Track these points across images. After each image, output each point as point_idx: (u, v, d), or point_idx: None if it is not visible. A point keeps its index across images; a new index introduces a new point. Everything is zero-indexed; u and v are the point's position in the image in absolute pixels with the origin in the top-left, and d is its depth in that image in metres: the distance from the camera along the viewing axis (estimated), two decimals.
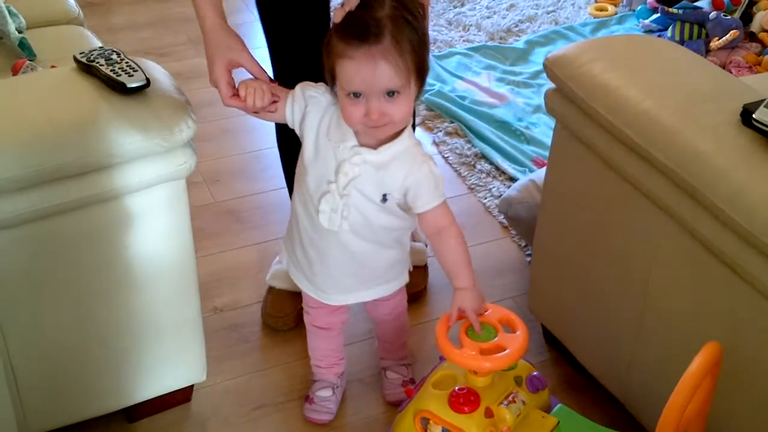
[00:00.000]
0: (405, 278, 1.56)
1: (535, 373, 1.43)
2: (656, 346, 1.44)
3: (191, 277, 1.50)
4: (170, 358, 1.55)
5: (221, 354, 1.79)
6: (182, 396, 1.65)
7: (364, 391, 1.73)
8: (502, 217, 2.07)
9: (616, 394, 1.58)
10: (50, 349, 1.41)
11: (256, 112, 1.39)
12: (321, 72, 1.71)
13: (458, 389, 1.35)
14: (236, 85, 1.37)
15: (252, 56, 1.38)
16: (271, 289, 1.88)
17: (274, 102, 1.38)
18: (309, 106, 1.38)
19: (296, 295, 1.84)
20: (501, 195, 2.14)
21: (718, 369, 1.16)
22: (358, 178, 1.35)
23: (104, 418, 1.56)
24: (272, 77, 1.73)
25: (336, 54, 1.26)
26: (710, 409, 1.23)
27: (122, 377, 1.51)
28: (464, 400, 1.33)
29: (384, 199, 1.38)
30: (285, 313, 1.84)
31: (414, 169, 1.35)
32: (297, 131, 1.41)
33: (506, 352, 1.32)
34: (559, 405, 1.42)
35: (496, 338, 1.34)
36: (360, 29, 1.23)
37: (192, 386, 1.66)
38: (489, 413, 1.32)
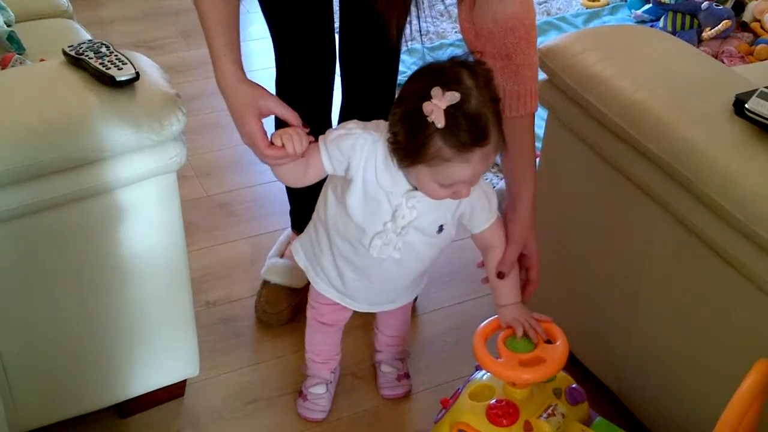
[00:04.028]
0: (425, 280, 1.57)
1: (574, 385, 1.39)
2: (650, 338, 1.44)
3: (183, 271, 1.49)
4: (163, 353, 1.54)
5: (214, 348, 1.78)
6: (175, 391, 1.65)
7: (358, 384, 1.72)
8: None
9: (611, 386, 1.58)
10: (42, 345, 1.41)
11: (271, 159, 1.29)
12: (324, 60, 1.70)
13: (496, 401, 1.31)
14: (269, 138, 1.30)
15: (279, 99, 1.31)
16: (266, 284, 1.87)
17: (312, 143, 1.30)
18: (350, 158, 1.30)
19: (291, 291, 1.84)
20: (495, 187, 2.14)
21: None
22: (415, 220, 1.33)
23: (97, 414, 1.55)
24: (277, 70, 1.73)
25: (442, 158, 1.19)
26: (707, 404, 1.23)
27: (114, 372, 1.51)
28: (503, 412, 1.29)
29: (440, 229, 1.36)
30: (279, 309, 1.83)
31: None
32: (341, 176, 1.35)
33: (545, 363, 1.28)
34: (598, 418, 1.38)
35: (535, 349, 1.31)
36: (472, 135, 1.17)
37: (185, 381, 1.65)
38: (528, 427, 1.28)
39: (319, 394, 1.65)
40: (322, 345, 1.65)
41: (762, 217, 1.16)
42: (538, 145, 1.66)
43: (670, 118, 1.30)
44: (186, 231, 1.47)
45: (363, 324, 1.81)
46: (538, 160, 1.67)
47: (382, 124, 1.29)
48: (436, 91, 1.16)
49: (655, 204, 1.35)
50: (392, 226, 1.32)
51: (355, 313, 1.63)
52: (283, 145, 1.26)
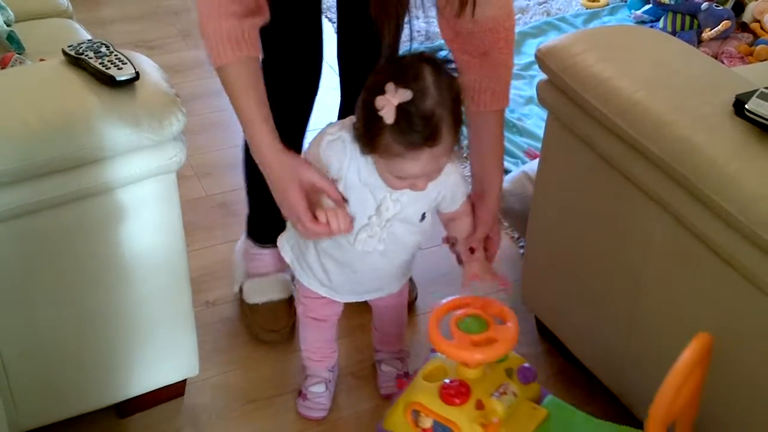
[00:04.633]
0: (412, 269, 1.59)
1: (525, 364, 1.42)
2: (650, 337, 1.44)
3: (183, 270, 1.49)
4: (163, 353, 1.54)
5: (214, 348, 1.78)
6: (175, 390, 1.65)
7: (357, 384, 1.73)
8: None
9: (610, 385, 1.58)
10: (41, 345, 1.41)
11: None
12: (308, 66, 1.69)
13: (449, 381, 1.34)
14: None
15: (318, 170, 1.32)
16: (254, 307, 1.81)
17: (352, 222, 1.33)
18: (341, 160, 1.32)
19: (288, 302, 1.81)
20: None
21: (708, 360, 1.16)
22: (400, 212, 1.35)
23: (96, 414, 1.55)
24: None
25: (392, 152, 1.22)
26: (705, 402, 1.23)
27: (114, 372, 1.51)
28: (455, 392, 1.32)
29: (423, 217, 1.39)
30: (281, 326, 1.80)
31: (446, 182, 1.35)
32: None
33: (497, 343, 1.32)
34: (549, 396, 1.41)
35: (487, 330, 1.34)
36: (422, 134, 1.19)
37: (185, 380, 1.65)
38: (480, 405, 1.32)
39: (318, 393, 1.65)
40: (317, 342, 1.65)
41: (762, 217, 1.16)
42: (538, 145, 1.67)
43: (670, 118, 1.30)
44: (186, 231, 1.47)
45: (362, 324, 1.81)
46: (538, 159, 1.68)
47: None
48: (389, 87, 1.18)
49: (655, 204, 1.35)
50: (377, 220, 1.34)
51: (354, 313, 1.63)
52: (328, 222, 1.29)
